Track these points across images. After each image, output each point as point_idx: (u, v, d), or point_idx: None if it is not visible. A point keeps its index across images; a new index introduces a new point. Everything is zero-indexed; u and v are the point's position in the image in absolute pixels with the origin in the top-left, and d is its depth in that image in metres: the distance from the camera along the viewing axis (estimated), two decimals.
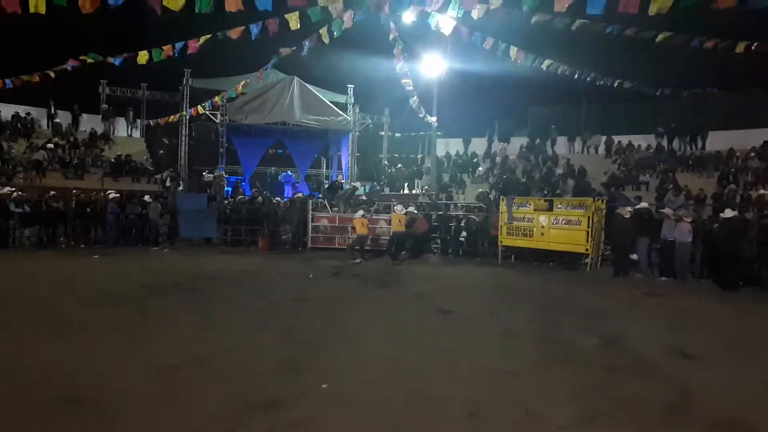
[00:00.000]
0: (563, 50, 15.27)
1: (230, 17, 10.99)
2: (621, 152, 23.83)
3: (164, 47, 13.31)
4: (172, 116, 20.79)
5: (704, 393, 4.96)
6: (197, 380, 4.91)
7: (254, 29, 12.87)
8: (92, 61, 13.45)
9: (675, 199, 15.73)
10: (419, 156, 27.67)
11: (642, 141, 24.17)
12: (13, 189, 16.10)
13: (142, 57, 13.36)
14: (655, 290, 10.53)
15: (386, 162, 26.30)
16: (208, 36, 13.24)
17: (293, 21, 12.54)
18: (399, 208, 15.14)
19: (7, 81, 14.11)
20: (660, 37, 12.11)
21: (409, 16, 14.52)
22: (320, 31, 13.62)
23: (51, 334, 6.42)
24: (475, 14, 11.76)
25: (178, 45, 13.34)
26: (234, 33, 12.95)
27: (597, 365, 5.66)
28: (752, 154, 20.05)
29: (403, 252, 14.85)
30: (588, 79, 15.55)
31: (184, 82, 21.12)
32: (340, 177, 23.89)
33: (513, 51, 14.27)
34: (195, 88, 21.05)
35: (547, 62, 14.75)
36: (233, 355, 5.72)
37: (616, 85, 15.76)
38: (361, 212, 15.18)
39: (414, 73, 19.79)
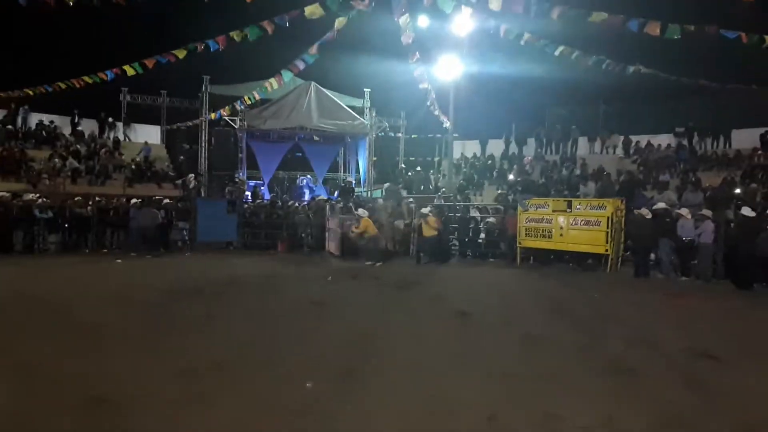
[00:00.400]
0: (581, 45, 15.09)
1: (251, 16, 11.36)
2: (640, 152, 23.55)
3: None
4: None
5: (728, 395, 4.89)
6: (218, 385, 4.96)
7: (279, 22, 13.23)
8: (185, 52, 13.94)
9: (692, 197, 15.48)
10: (436, 159, 27.63)
11: (660, 141, 23.88)
12: (38, 195, 16.43)
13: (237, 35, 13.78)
14: (676, 291, 10.40)
15: (403, 165, 26.32)
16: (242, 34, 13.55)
17: (317, 11, 12.75)
18: (426, 210, 14.64)
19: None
20: (684, 28, 11.95)
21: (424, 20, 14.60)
22: (337, 20, 13.77)
23: (74, 337, 6.54)
24: (495, 5, 11.86)
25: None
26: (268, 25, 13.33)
27: (618, 367, 5.61)
28: None
29: (421, 255, 14.55)
30: (603, 66, 15.18)
31: (203, 88, 21.38)
32: (349, 179, 24.01)
33: (526, 36, 14.20)
34: (214, 94, 21.31)
35: (561, 48, 14.54)
36: (253, 359, 5.78)
37: (634, 70, 15.35)
38: (362, 211, 14.77)
39: (430, 75, 19.81)
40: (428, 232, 14.21)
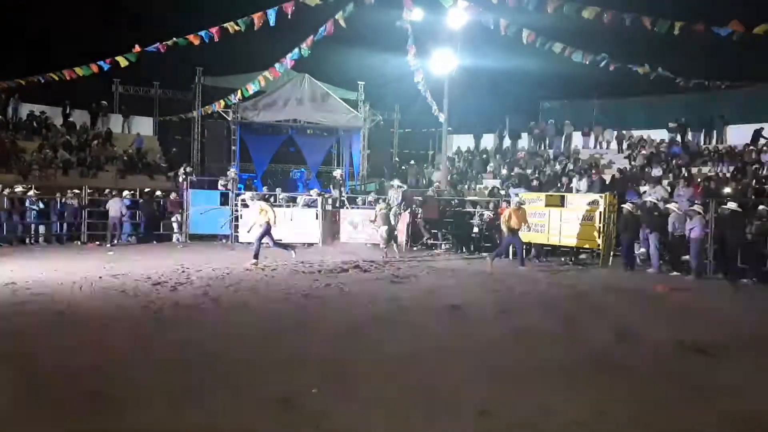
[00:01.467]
0: (576, 41, 15.13)
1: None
2: (633, 147, 23.63)
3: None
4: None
5: (718, 388, 4.94)
6: (211, 376, 4.96)
7: (271, 14, 13.18)
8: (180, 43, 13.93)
9: (684, 192, 15.55)
10: (430, 152, 27.62)
11: (653, 136, 23.95)
12: (29, 187, 16.28)
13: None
14: (666, 285, 10.47)
15: (397, 159, 26.28)
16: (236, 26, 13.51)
17: None
18: (516, 200, 13.49)
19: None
20: (678, 25, 11.99)
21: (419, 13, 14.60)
22: (336, 16, 13.77)
23: (68, 331, 6.50)
24: None
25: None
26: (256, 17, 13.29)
27: (610, 361, 5.64)
28: (766, 147, 19.74)
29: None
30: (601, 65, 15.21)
31: (196, 80, 21.25)
32: (338, 172, 23.92)
33: (526, 34, 14.21)
34: (207, 86, 21.19)
35: (558, 46, 14.53)
36: (245, 351, 5.78)
37: (634, 69, 15.36)
38: (249, 194, 14.01)
39: (424, 68, 19.78)
40: (515, 225, 12.55)
